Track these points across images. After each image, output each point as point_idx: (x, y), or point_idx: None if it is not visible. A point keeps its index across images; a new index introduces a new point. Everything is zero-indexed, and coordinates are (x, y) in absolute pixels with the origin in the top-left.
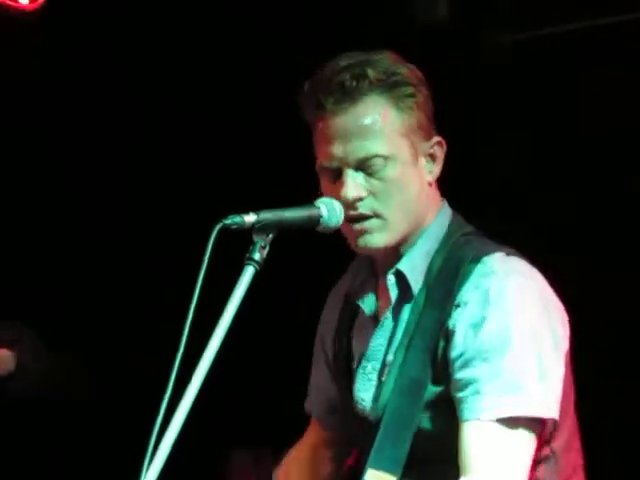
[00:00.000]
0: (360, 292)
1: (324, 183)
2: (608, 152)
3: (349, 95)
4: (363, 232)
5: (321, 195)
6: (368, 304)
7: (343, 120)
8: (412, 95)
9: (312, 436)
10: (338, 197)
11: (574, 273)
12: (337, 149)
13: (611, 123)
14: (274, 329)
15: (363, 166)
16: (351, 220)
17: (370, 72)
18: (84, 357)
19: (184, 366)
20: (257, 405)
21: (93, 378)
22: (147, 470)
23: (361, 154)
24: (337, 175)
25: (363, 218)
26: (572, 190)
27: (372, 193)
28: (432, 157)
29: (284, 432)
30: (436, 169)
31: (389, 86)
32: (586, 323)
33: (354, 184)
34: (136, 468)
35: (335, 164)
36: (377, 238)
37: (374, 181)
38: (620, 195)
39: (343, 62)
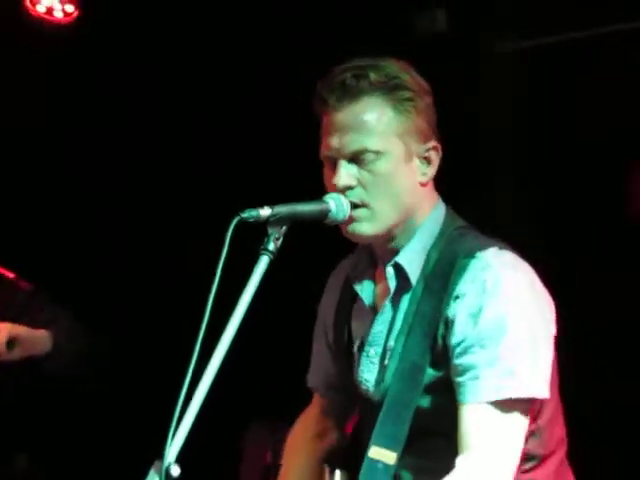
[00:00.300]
0: (359, 280)
1: (325, 171)
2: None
3: (349, 93)
4: (352, 220)
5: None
6: (367, 293)
7: (343, 115)
8: (411, 99)
9: (315, 407)
10: (332, 184)
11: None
12: (335, 141)
13: (610, 125)
14: (290, 309)
15: (356, 159)
16: None
17: (371, 74)
18: (116, 340)
19: (206, 343)
20: (273, 379)
21: (123, 359)
22: (171, 442)
23: (354, 147)
24: (334, 163)
25: (352, 206)
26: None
27: (362, 184)
28: (427, 160)
29: (299, 404)
30: (430, 171)
31: (388, 88)
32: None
33: (346, 174)
34: (160, 441)
35: (332, 154)
36: (364, 227)
37: (365, 173)
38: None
39: (349, 64)
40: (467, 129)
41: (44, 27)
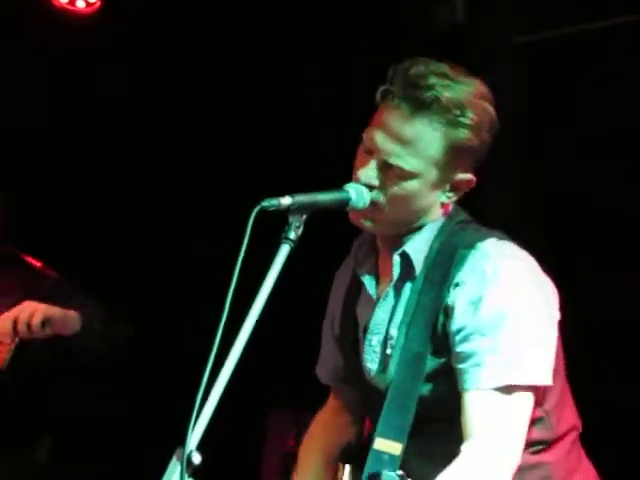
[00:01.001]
0: (363, 267)
1: (360, 147)
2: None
3: (417, 107)
4: (362, 216)
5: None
6: (370, 280)
7: (398, 119)
8: (467, 138)
9: (332, 402)
10: (358, 166)
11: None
12: (379, 139)
13: (611, 124)
14: (310, 299)
15: (388, 168)
16: None
17: (445, 95)
18: (138, 327)
19: (228, 331)
20: (296, 367)
21: (144, 347)
22: (192, 429)
23: (392, 160)
24: (369, 153)
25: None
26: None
27: (384, 189)
28: (456, 188)
29: (321, 393)
30: (454, 197)
31: (452, 122)
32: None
33: (373, 174)
34: (182, 429)
35: (371, 146)
36: (369, 224)
37: (390, 182)
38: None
39: (432, 79)
40: None
41: (67, 17)
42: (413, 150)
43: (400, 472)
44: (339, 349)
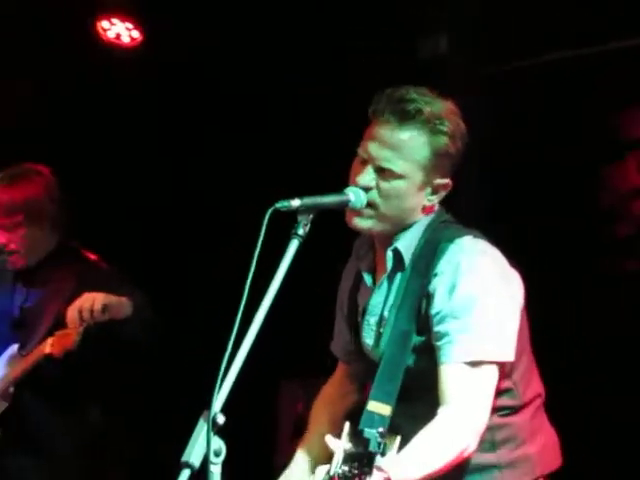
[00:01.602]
0: (362, 262)
1: (355, 162)
2: None
3: (403, 119)
4: (359, 214)
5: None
6: (367, 273)
7: (388, 131)
8: (446, 145)
9: (339, 373)
10: (355, 173)
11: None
12: (372, 147)
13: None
14: (315, 288)
15: (382, 171)
16: None
17: (426, 109)
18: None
19: (247, 312)
20: (306, 343)
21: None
22: (217, 395)
23: (384, 164)
24: (364, 163)
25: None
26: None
27: (379, 189)
28: (436, 191)
29: (326, 367)
30: (435, 200)
31: (433, 130)
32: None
33: (370, 177)
34: (208, 395)
35: (365, 156)
36: (365, 222)
37: (384, 183)
38: None
39: (413, 93)
40: None
41: (113, 50)
42: (402, 155)
43: (380, 430)
44: (348, 329)
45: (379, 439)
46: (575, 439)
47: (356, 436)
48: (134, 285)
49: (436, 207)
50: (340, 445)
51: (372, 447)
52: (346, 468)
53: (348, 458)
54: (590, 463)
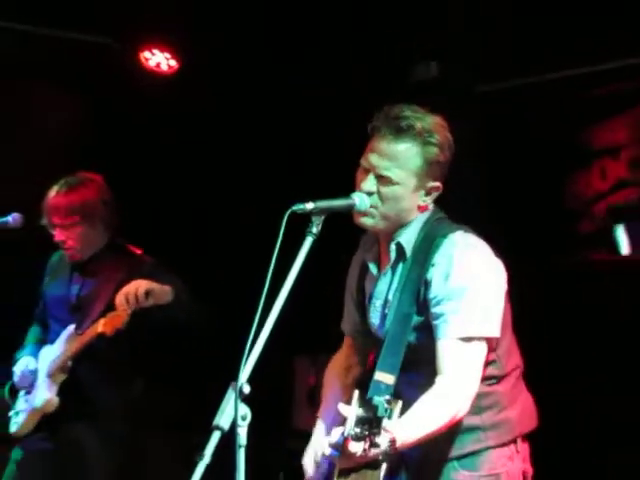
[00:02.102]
0: (368, 254)
1: (359, 171)
2: None
3: (398, 132)
4: (363, 215)
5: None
6: (373, 263)
7: (386, 145)
8: (436, 154)
9: (345, 348)
10: (359, 181)
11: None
12: (373, 159)
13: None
14: (326, 274)
15: (381, 178)
16: None
17: (418, 125)
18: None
19: (269, 298)
20: (317, 324)
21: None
22: (243, 368)
23: (384, 172)
24: (366, 172)
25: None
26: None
27: (379, 194)
28: (428, 193)
29: (333, 344)
30: (428, 200)
31: (424, 142)
32: None
33: (371, 184)
34: (236, 368)
35: (368, 167)
36: (368, 221)
37: (384, 189)
38: None
39: (407, 111)
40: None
41: (154, 77)
42: (398, 164)
43: (387, 397)
44: (356, 311)
45: (386, 405)
46: (575, 438)
47: (365, 402)
48: (174, 275)
49: (430, 206)
50: (351, 410)
51: (380, 412)
52: (358, 430)
53: (359, 421)
54: (590, 462)
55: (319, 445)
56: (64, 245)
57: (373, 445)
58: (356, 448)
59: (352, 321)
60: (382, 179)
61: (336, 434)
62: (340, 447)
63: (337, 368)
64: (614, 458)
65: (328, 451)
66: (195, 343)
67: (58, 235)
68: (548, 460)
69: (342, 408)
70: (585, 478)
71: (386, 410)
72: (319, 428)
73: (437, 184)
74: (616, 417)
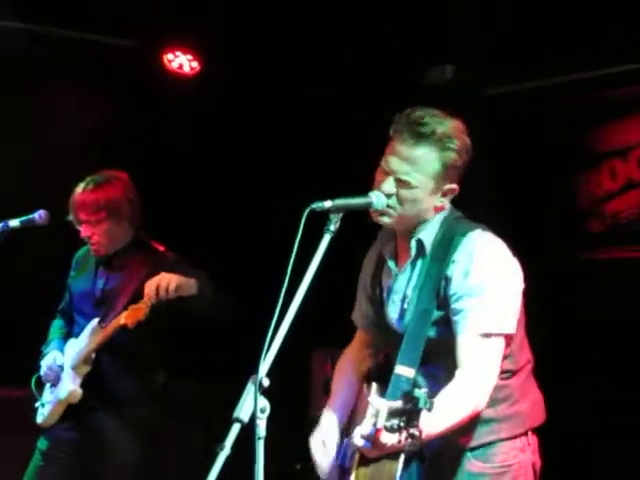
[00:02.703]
0: (386, 249)
1: (377, 172)
2: None
3: (419, 138)
4: (383, 213)
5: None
6: (390, 259)
7: (406, 148)
8: (454, 159)
9: (357, 341)
10: (378, 181)
11: None
12: (393, 162)
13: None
14: (341, 274)
15: (400, 182)
16: None
17: (438, 129)
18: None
19: (289, 293)
20: (332, 318)
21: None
22: (263, 362)
23: (403, 176)
24: (386, 173)
25: (386, 205)
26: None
27: (397, 196)
28: (445, 194)
29: (348, 338)
30: (445, 201)
31: (442, 147)
32: None
33: (390, 185)
34: (255, 362)
35: (387, 168)
36: (386, 220)
37: (402, 191)
38: None
39: (428, 115)
40: None
41: (177, 78)
42: (417, 168)
43: (425, 390)
44: (369, 304)
45: (427, 398)
46: (575, 438)
47: (403, 395)
48: (198, 269)
49: (447, 206)
50: (383, 402)
51: (421, 404)
52: (395, 422)
53: (394, 413)
54: (590, 461)
55: (327, 433)
56: (90, 240)
57: (410, 436)
58: (389, 439)
59: (364, 314)
60: (401, 183)
61: (367, 425)
62: (372, 438)
63: (349, 360)
64: (614, 458)
65: (361, 442)
66: (216, 336)
67: (84, 231)
68: (548, 460)
69: (374, 400)
70: (585, 477)
71: (426, 402)
72: (328, 416)
73: (453, 186)
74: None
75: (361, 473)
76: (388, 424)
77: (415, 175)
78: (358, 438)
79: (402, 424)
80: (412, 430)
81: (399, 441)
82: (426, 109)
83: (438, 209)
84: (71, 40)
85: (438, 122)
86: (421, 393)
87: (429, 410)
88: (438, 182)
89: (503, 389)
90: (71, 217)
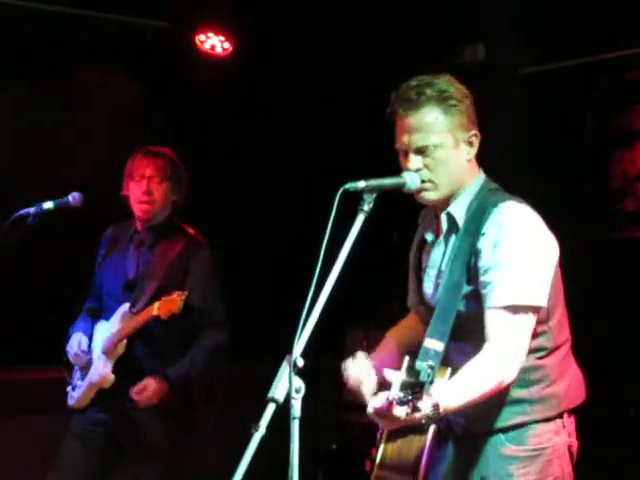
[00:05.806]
0: (427, 228)
1: (400, 158)
2: None
3: (413, 104)
4: (422, 190)
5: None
6: (430, 235)
7: (409, 120)
8: (456, 105)
9: (413, 315)
10: (404, 163)
11: None
12: (405, 138)
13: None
14: (376, 252)
15: (421, 150)
16: None
17: (428, 90)
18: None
19: (323, 273)
20: (367, 299)
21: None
22: (297, 342)
23: (420, 143)
24: (406, 154)
25: (421, 181)
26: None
27: (427, 167)
28: (470, 143)
29: (387, 317)
30: (472, 151)
31: (440, 99)
32: None
33: (414, 161)
34: (290, 342)
35: (404, 147)
36: (429, 194)
37: (428, 159)
38: None
39: (413, 82)
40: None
41: (209, 58)
42: (427, 131)
43: (430, 362)
44: (415, 285)
45: (428, 370)
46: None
47: (409, 367)
48: (216, 265)
49: (481, 174)
50: (396, 375)
51: (422, 377)
52: (402, 394)
53: (403, 386)
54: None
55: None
56: (148, 198)
57: (415, 409)
58: (400, 412)
59: (414, 295)
60: (422, 152)
61: (382, 397)
62: (385, 411)
63: (403, 327)
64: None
65: (373, 414)
66: (245, 318)
67: (148, 185)
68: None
69: (387, 373)
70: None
71: (428, 375)
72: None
73: (473, 132)
74: None
75: (389, 448)
76: (397, 397)
77: (430, 137)
78: (371, 409)
79: (409, 396)
80: (417, 402)
81: (406, 414)
82: (409, 82)
83: (471, 163)
84: (105, 22)
85: (426, 83)
86: (422, 365)
87: (430, 383)
88: (454, 134)
89: (538, 370)
90: (125, 188)
